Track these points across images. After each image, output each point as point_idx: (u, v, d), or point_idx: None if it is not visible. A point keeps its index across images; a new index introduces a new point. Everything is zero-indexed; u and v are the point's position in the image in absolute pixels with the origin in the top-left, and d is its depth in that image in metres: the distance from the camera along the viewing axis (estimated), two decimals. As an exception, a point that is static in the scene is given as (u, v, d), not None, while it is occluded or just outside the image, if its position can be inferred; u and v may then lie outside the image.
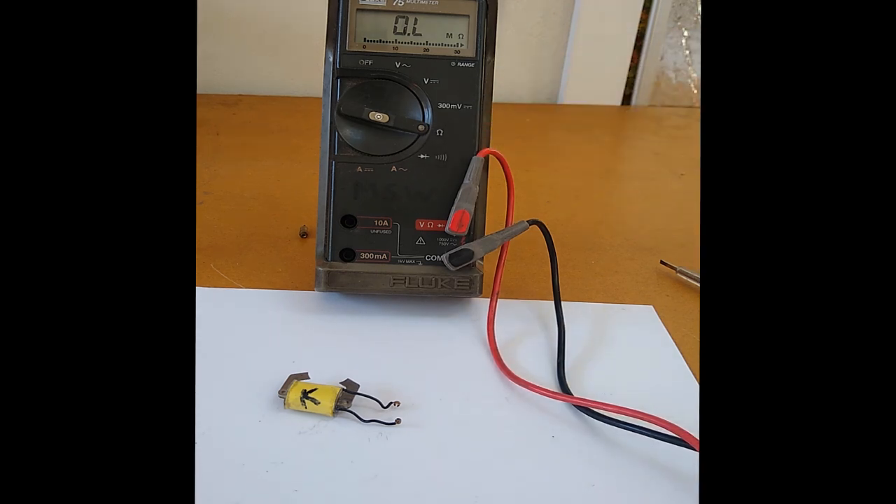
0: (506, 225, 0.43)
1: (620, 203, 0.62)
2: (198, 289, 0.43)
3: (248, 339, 0.39)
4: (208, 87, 0.81)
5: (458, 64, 0.41)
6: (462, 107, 0.41)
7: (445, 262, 0.41)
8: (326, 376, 0.35)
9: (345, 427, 0.33)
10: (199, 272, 0.45)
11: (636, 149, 0.77)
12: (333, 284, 0.41)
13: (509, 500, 0.29)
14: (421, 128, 0.41)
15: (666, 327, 0.42)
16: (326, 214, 0.41)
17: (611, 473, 0.31)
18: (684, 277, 0.48)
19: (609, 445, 0.32)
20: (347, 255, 0.41)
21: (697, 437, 0.26)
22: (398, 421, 0.33)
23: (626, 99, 0.90)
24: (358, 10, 0.40)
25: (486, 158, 0.42)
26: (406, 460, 0.31)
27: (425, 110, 0.41)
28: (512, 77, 0.87)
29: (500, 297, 0.42)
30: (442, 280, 0.41)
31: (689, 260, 0.49)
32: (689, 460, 0.31)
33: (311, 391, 0.33)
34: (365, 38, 0.40)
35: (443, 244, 0.42)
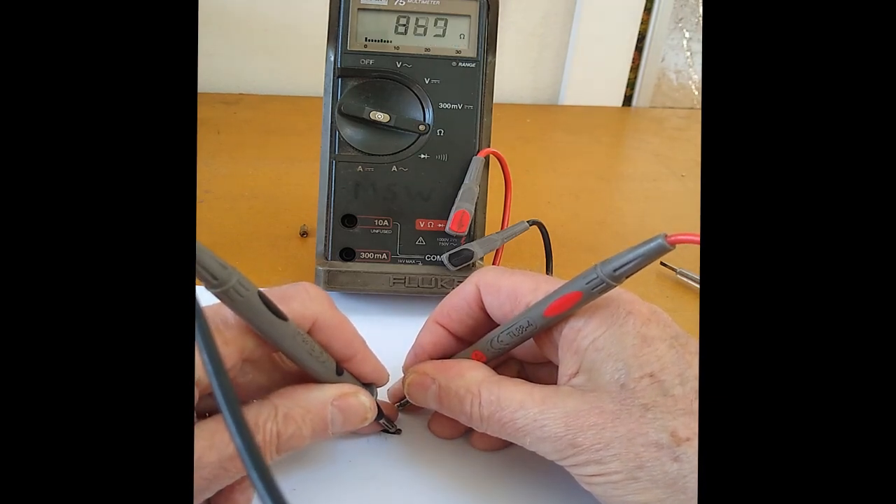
0: (502, 225, 0.43)
1: (621, 204, 0.62)
2: (198, 288, 0.43)
3: (248, 338, 0.39)
4: (209, 85, 0.81)
5: (459, 64, 0.41)
6: (463, 107, 0.41)
7: (445, 262, 0.41)
8: (326, 376, 0.35)
9: (344, 427, 0.33)
10: (199, 271, 0.45)
11: (637, 150, 0.77)
12: (333, 284, 0.40)
13: (509, 501, 0.29)
14: (421, 127, 0.41)
15: (666, 328, 0.42)
16: (327, 214, 0.41)
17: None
18: (684, 279, 0.48)
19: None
20: (347, 254, 0.41)
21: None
22: (398, 431, 0.33)
23: (627, 100, 0.89)
24: (359, 9, 0.40)
25: (487, 158, 0.42)
26: (405, 460, 0.31)
27: (426, 110, 0.41)
28: (513, 78, 0.87)
29: (500, 298, 0.42)
30: (442, 280, 0.41)
31: (690, 261, 0.48)
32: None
33: (310, 391, 0.33)
34: (366, 38, 0.40)
35: (443, 244, 0.42)
